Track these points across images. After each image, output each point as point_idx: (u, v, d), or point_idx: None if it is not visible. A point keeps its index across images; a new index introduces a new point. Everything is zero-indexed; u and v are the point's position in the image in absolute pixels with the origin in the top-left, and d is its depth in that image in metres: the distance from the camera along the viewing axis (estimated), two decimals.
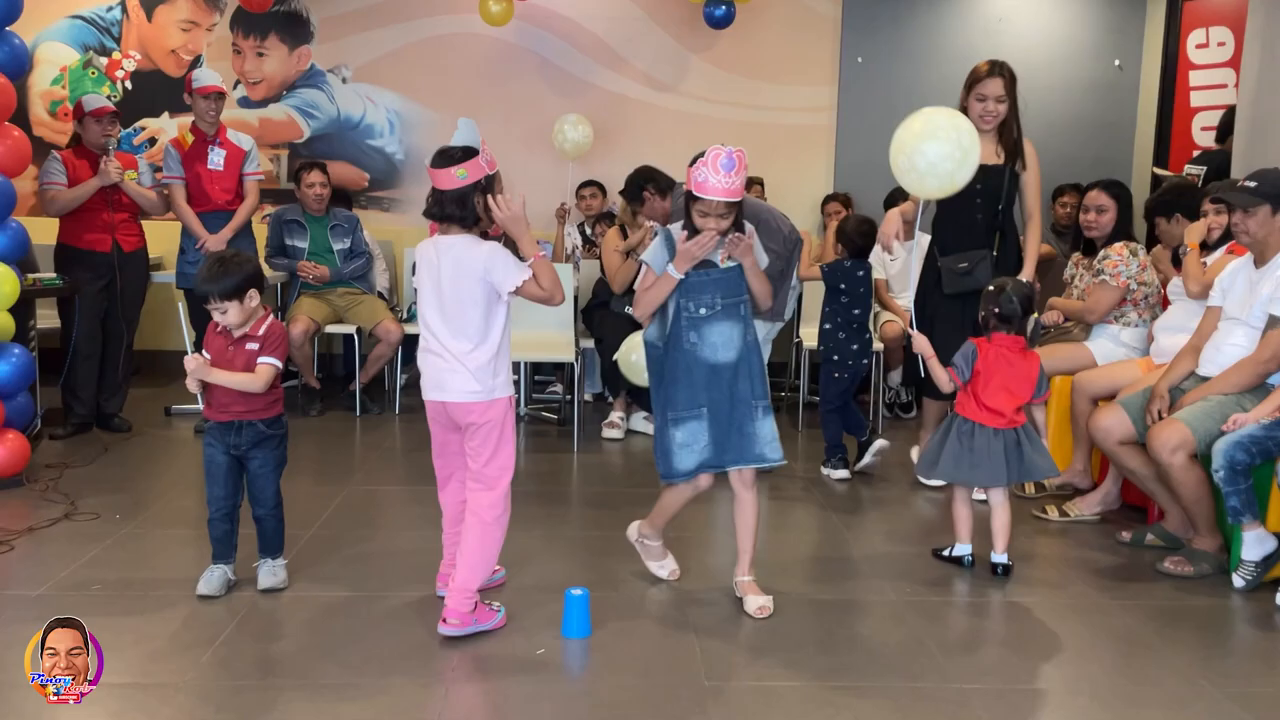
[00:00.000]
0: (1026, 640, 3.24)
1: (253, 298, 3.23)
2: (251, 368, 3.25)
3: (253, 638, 3.09)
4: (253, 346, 3.26)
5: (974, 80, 4.39)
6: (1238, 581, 3.59)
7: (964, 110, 4.32)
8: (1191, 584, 3.67)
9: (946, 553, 3.83)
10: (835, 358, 4.87)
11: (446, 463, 3.24)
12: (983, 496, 3.86)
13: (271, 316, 3.33)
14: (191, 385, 3.26)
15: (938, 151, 3.60)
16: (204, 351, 3.31)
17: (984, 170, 3.98)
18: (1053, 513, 4.31)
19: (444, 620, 3.03)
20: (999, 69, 4.39)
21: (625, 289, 5.57)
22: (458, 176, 2.96)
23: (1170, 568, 3.75)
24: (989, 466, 3.61)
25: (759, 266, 3.28)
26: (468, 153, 2.98)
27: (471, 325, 3.02)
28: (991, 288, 3.70)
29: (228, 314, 3.21)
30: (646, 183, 5.22)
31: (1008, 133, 4.44)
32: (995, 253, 4.43)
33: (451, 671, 2.87)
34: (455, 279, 3.00)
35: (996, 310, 3.64)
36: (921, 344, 3.70)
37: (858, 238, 4.81)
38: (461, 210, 2.99)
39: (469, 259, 2.99)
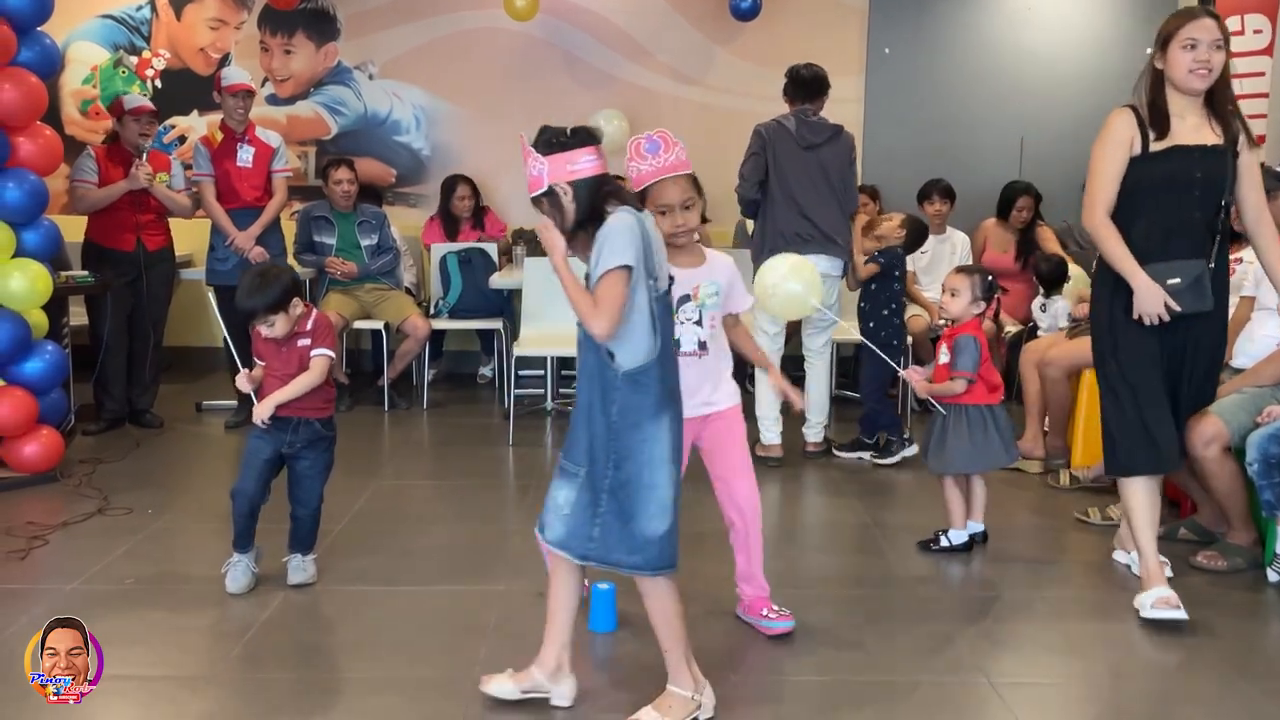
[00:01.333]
0: (1056, 635, 3.22)
1: (296, 305, 3.25)
2: (306, 364, 3.28)
3: (283, 631, 3.12)
4: (304, 343, 3.28)
5: (1177, 25, 3.20)
6: (1273, 576, 3.54)
7: (1153, 71, 3.29)
8: (1226, 578, 3.63)
9: (945, 543, 3.83)
10: (883, 334, 4.89)
11: None
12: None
13: (315, 310, 3.36)
14: (243, 385, 3.29)
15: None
16: (256, 359, 3.34)
17: (1202, 153, 3.20)
18: (1095, 515, 4.21)
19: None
20: (1208, 9, 3.40)
21: None
22: None
23: (1204, 562, 3.71)
24: (992, 447, 3.73)
25: (563, 266, 2.44)
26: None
27: None
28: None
29: (275, 326, 3.22)
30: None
31: (1224, 98, 3.26)
32: (1213, 264, 3.25)
33: (480, 665, 2.88)
34: None
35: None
36: (913, 378, 3.82)
37: (916, 231, 5.04)
38: None
39: None
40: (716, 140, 6.91)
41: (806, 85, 5.05)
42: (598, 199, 2.42)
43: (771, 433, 4.96)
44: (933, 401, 3.79)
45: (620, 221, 2.39)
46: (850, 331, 4.95)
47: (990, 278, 3.86)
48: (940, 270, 5.51)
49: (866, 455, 5.02)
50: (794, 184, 4.89)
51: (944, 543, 3.84)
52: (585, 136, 2.45)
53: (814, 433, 5.13)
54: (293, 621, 3.19)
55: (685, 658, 2.58)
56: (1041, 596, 3.50)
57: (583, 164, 2.41)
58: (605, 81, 6.96)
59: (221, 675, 2.83)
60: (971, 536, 3.85)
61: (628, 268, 2.36)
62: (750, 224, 5.38)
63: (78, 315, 5.43)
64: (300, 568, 3.41)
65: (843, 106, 6.93)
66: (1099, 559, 3.84)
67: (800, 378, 5.10)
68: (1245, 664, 2.99)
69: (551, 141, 2.42)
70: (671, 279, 2.58)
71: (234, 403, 5.63)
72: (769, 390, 4.96)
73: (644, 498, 2.44)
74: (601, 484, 2.46)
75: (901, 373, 3.91)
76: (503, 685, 2.68)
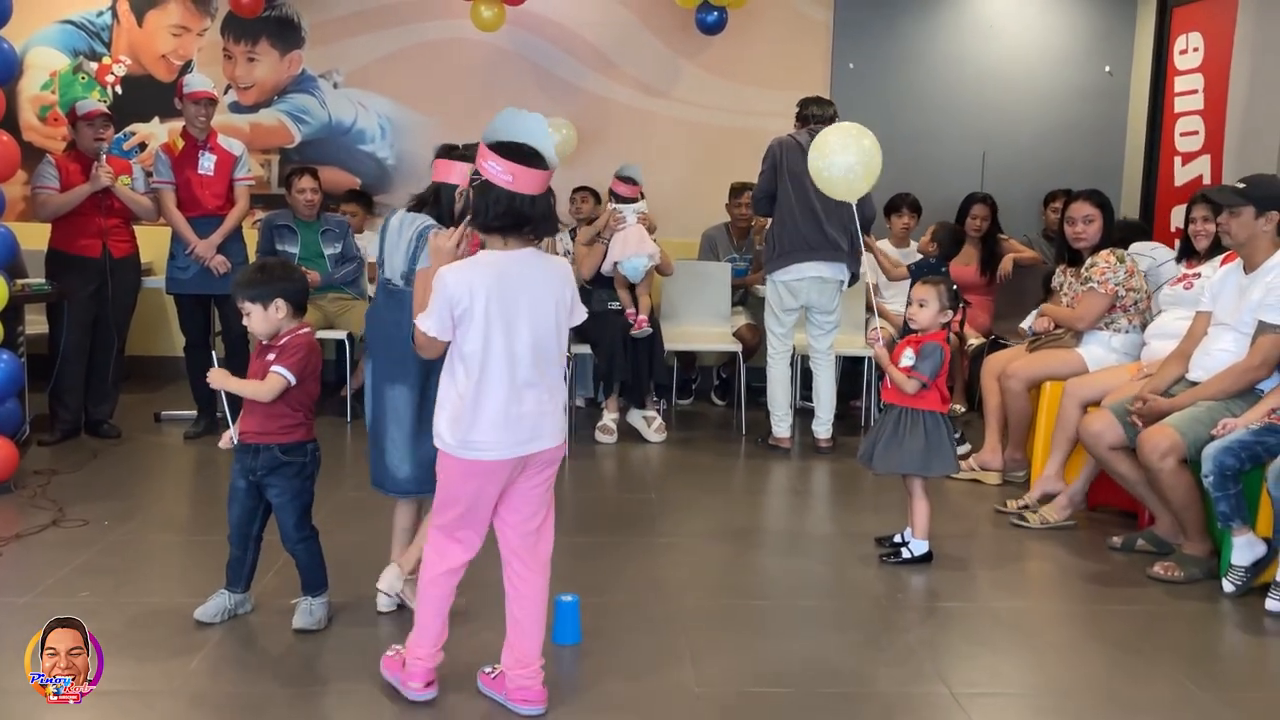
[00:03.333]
0: (1017, 646, 3.25)
1: (279, 308, 3.10)
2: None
3: (243, 644, 3.08)
4: (271, 357, 3.12)
5: None
6: (1227, 586, 3.59)
7: None
8: (1181, 589, 3.68)
9: (909, 554, 3.86)
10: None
11: (478, 533, 2.72)
12: None
13: (306, 333, 3.16)
14: (223, 444, 3.17)
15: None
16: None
17: None
18: (1034, 520, 4.28)
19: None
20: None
21: (593, 275, 5.73)
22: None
23: (1160, 573, 3.76)
24: (944, 452, 3.79)
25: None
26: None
27: (556, 353, 2.67)
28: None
29: (251, 318, 3.11)
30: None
31: None
32: None
33: (443, 679, 2.85)
34: (543, 302, 2.61)
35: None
36: (880, 354, 3.91)
37: (949, 242, 5.42)
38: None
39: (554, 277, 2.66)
40: (682, 152, 6.96)
41: (819, 103, 5.49)
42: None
43: (783, 425, 5.36)
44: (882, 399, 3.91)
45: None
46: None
47: (955, 287, 3.90)
48: (904, 283, 5.56)
49: None
50: (804, 193, 5.19)
51: (905, 555, 3.86)
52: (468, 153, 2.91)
53: (823, 429, 5.42)
54: (253, 634, 3.15)
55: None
56: (1000, 607, 3.53)
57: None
58: (571, 93, 6.97)
59: (179, 689, 2.79)
60: (927, 553, 3.86)
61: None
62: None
63: (37, 324, 5.35)
64: (307, 611, 3.20)
65: None
66: (1058, 570, 3.88)
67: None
68: (1201, 674, 3.03)
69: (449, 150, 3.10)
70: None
71: (193, 413, 5.56)
72: (782, 381, 5.36)
73: None
74: None
75: (868, 336, 4.00)
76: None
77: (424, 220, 3.14)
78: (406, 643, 2.77)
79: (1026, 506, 4.41)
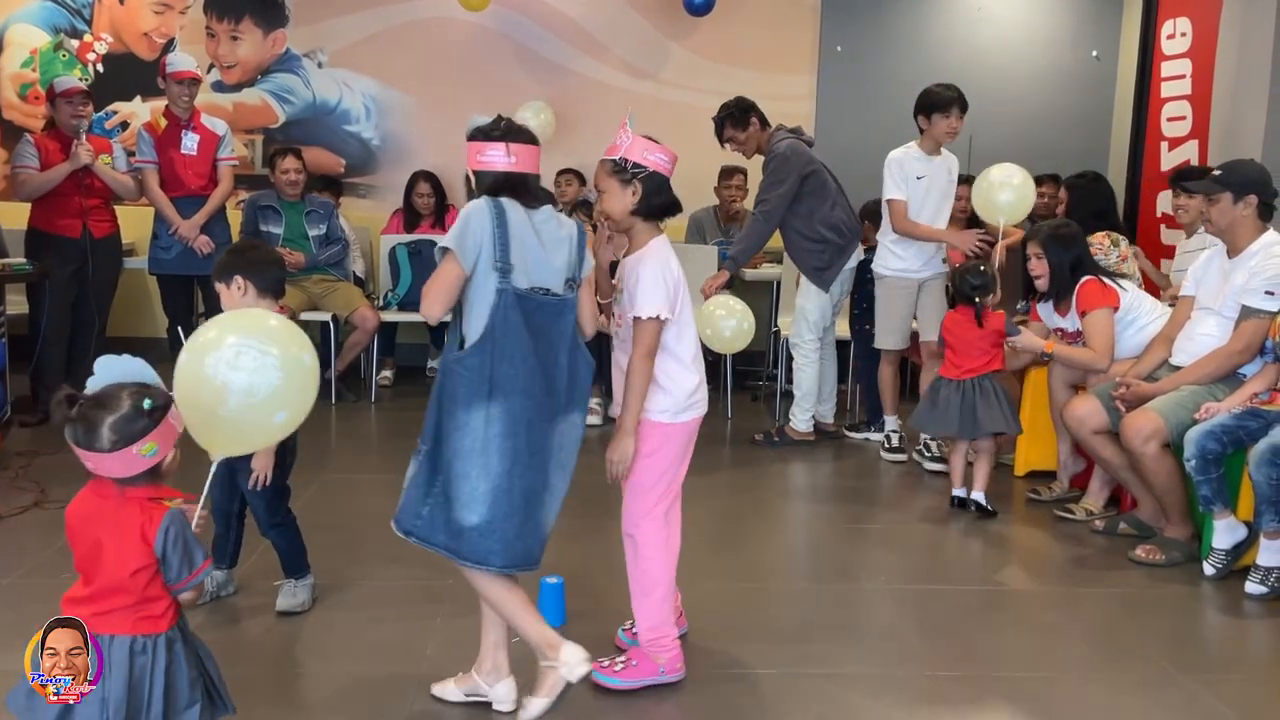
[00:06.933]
0: (1000, 628, 3.26)
1: (241, 287, 2.96)
2: None
3: (227, 628, 3.07)
4: None
5: None
6: (1208, 569, 3.62)
7: None
8: (1163, 572, 3.70)
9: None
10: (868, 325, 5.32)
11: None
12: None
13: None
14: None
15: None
16: None
17: None
18: (1079, 512, 4.21)
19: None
20: None
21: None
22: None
23: (1142, 556, 3.78)
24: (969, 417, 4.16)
25: None
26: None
27: None
28: (958, 273, 4.34)
29: (220, 299, 3.02)
30: (751, 110, 5.25)
31: None
32: None
33: (426, 663, 2.85)
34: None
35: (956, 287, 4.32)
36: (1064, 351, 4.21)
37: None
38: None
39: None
40: (669, 135, 6.91)
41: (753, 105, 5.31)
42: (496, 190, 2.46)
43: (801, 420, 5.29)
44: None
45: (468, 207, 2.43)
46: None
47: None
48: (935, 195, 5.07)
49: (872, 435, 5.37)
50: (829, 185, 5.14)
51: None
52: (505, 132, 2.48)
53: (826, 412, 5.45)
54: (236, 615, 3.14)
55: (496, 644, 2.64)
56: (982, 589, 3.55)
57: (490, 156, 2.46)
58: (558, 74, 6.93)
59: None
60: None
61: (449, 250, 2.39)
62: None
63: (17, 304, 5.30)
64: (290, 593, 3.19)
65: (795, 104, 6.99)
66: (1039, 553, 3.90)
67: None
68: (1183, 656, 3.06)
69: (474, 132, 2.50)
70: (575, 280, 2.56)
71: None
72: (809, 374, 5.27)
73: (457, 486, 2.43)
74: (438, 464, 2.47)
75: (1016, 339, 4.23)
76: (446, 688, 2.68)
77: (569, 220, 2.62)
78: (643, 643, 2.81)
79: (1063, 500, 4.35)
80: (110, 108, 6.73)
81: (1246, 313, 3.70)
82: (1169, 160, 6.08)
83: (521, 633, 2.54)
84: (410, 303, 6.18)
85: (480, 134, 2.47)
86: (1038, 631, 3.24)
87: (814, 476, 4.94)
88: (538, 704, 2.49)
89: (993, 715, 2.76)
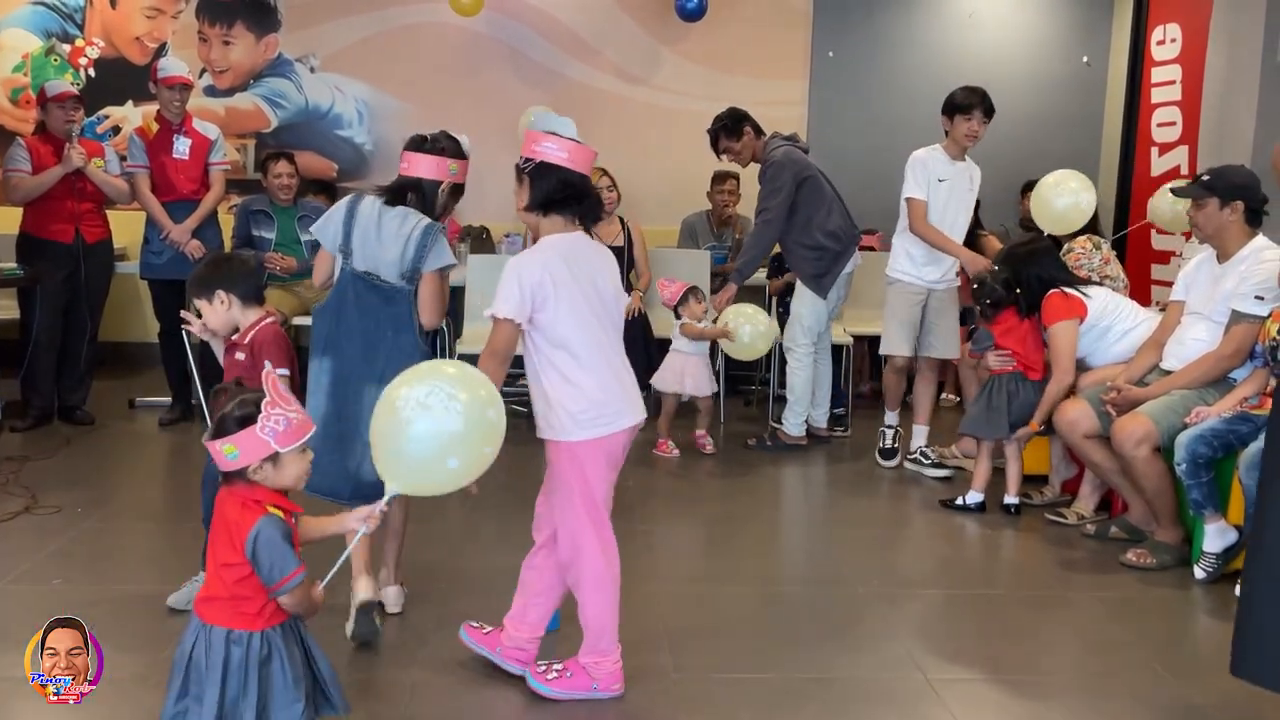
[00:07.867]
0: (991, 632, 3.27)
1: (224, 300, 2.93)
2: (245, 383, 3.03)
3: None
4: (241, 357, 2.96)
5: None
6: (1199, 573, 3.63)
7: None
8: (1154, 576, 3.71)
9: (961, 503, 4.27)
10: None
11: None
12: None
13: (267, 321, 2.99)
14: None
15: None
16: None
17: None
18: (1070, 516, 4.22)
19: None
20: None
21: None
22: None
23: (1133, 559, 3.79)
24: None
25: None
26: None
27: (622, 330, 2.78)
28: (975, 285, 4.32)
29: (204, 316, 2.98)
30: (744, 120, 5.21)
31: None
32: None
33: (420, 666, 2.85)
34: (612, 280, 2.73)
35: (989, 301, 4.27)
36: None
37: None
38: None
39: (607, 259, 2.77)
40: (662, 140, 6.94)
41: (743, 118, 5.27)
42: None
43: (794, 424, 5.26)
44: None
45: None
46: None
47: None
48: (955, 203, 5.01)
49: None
50: (826, 191, 5.12)
51: (959, 502, 4.27)
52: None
53: (823, 418, 5.45)
54: None
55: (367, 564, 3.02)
56: (974, 593, 3.55)
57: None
58: (550, 79, 6.93)
59: (153, 677, 2.77)
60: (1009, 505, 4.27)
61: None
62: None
63: (8, 309, 5.29)
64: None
65: (787, 109, 7.01)
66: (1031, 556, 3.91)
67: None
68: (1173, 659, 3.07)
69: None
70: (411, 275, 2.98)
71: (168, 400, 5.52)
72: (802, 378, 5.22)
73: None
74: None
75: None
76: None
77: (420, 217, 2.99)
78: (582, 658, 2.73)
79: (1055, 504, 4.36)
80: (102, 112, 6.72)
81: (1236, 317, 3.71)
82: (1159, 166, 6.11)
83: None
84: None
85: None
86: (1029, 635, 3.24)
87: (807, 480, 4.94)
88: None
89: (985, 719, 2.76)
